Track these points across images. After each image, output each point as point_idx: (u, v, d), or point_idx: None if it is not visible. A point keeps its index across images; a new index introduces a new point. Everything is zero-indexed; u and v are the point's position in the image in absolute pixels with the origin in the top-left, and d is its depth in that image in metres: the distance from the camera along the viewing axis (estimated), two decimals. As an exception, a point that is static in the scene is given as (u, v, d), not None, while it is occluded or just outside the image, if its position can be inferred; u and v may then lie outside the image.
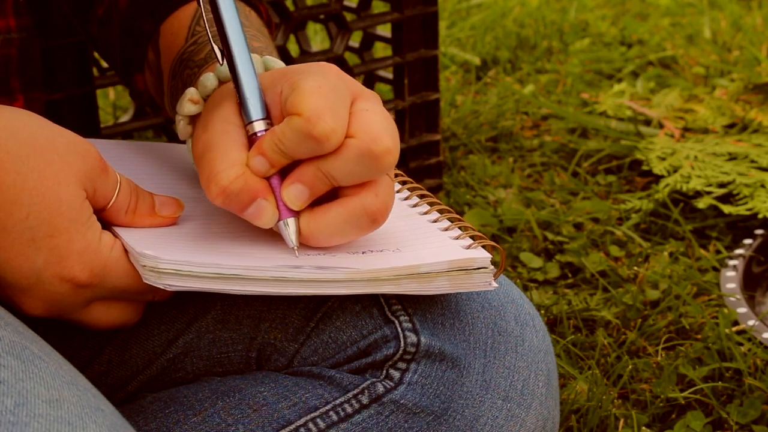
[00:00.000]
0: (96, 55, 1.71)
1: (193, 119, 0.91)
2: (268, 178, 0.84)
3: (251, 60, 0.86)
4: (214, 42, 0.88)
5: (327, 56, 1.64)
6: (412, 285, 0.85)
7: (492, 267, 0.87)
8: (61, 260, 0.81)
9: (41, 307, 0.83)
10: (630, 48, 2.23)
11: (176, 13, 1.00)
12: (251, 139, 0.84)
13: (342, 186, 0.84)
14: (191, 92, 0.90)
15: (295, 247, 0.85)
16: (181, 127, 0.91)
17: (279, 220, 0.84)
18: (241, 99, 0.85)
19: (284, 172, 0.84)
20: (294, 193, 0.84)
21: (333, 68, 0.85)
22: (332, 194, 0.85)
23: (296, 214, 0.84)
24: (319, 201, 0.85)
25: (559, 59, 2.19)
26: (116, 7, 1.04)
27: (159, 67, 1.00)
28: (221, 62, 0.87)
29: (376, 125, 0.82)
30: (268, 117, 0.85)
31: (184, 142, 0.94)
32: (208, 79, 0.90)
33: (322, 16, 1.73)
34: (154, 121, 1.58)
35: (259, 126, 0.84)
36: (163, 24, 1.00)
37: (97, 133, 1.47)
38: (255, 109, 0.85)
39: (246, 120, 0.85)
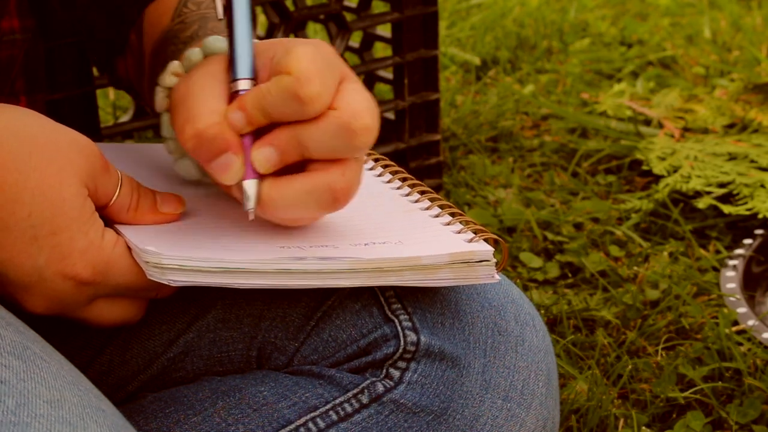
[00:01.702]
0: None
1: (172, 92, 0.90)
2: (241, 136, 0.83)
3: (250, 20, 0.86)
4: None
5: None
6: (415, 277, 0.86)
7: (494, 260, 0.87)
8: (64, 258, 0.82)
9: (44, 305, 0.83)
10: (630, 48, 2.23)
11: None
12: (233, 96, 0.84)
13: (312, 159, 0.83)
14: (174, 65, 0.89)
15: (251, 211, 0.83)
16: (159, 99, 0.90)
17: (243, 179, 0.83)
18: (231, 54, 0.84)
19: (257, 136, 0.83)
20: (264, 154, 0.83)
21: (328, 46, 0.85)
22: (299, 170, 0.84)
23: (261, 178, 0.83)
24: (286, 173, 0.84)
25: (559, 59, 2.19)
26: None
27: (141, 49, 1.00)
28: (220, 16, 0.87)
29: (359, 103, 0.82)
30: (254, 79, 0.84)
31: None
32: (194, 54, 0.89)
33: (322, 16, 1.73)
34: (154, 121, 1.58)
35: (243, 84, 0.84)
36: (148, 7, 1.00)
37: (97, 133, 1.47)
38: (243, 67, 0.84)
39: (232, 77, 0.84)
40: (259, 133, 0.83)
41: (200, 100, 0.83)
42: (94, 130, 1.45)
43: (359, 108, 0.82)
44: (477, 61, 2.16)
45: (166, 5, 0.98)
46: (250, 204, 0.83)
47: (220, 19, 0.87)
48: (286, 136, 0.82)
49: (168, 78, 0.89)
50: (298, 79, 0.80)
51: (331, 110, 0.82)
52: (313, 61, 0.81)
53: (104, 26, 1.03)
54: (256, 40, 0.90)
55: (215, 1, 0.88)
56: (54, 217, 0.81)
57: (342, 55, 1.63)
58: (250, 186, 0.83)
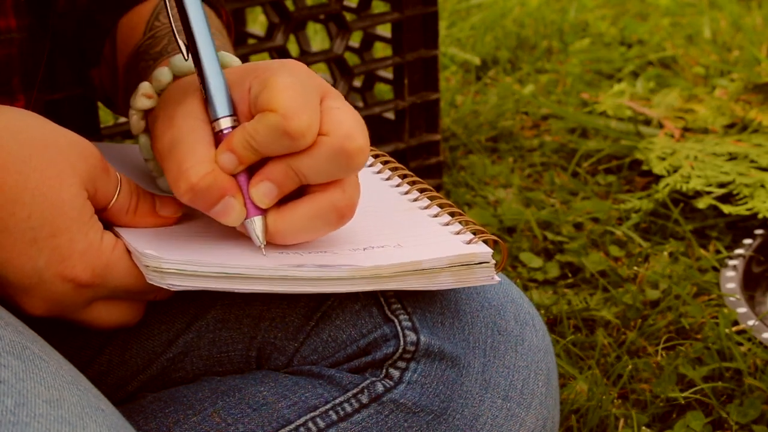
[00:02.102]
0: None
1: (146, 114, 0.90)
2: (235, 176, 0.83)
3: (216, 55, 0.85)
4: (178, 36, 0.87)
5: (327, 56, 1.64)
6: (415, 282, 0.86)
7: (493, 261, 0.87)
8: (63, 260, 0.81)
9: (43, 307, 0.83)
10: (630, 48, 2.23)
11: (137, 8, 0.99)
12: (217, 136, 0.83)
13: (310, 183, 0.84)
14: (145, 86, 0.89)
15: (262, 246, 0.84)
16: (134, 121, 0.90)
17: (246, 218, 0.84)
18: (207, 95, 0.84)
19: (251, 170, 0.84)
20: (262, 191, 0.83)
21: (301, 66, 0.85)
22: (298, 191, 0.84)
23: (264, 212, 0.84)
24: (285, 198, 0.84)
25: (559, 59, 2.19)
26: (76, 1, 1.03)
27: (114, 62, 0.99)
28: (186, 57, 0.86)
29: (348, 123, 0.82)
30: (234, 114, 0.84)
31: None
32: (163, 74, 0.88)
33: (322, 16, 1.73)
34: (154, 121, 1.58)
35: (225, 123, 0.83)
36: (121, 19, 1.00)
37: (97, 133, 1.47)
38: (222, 106, 0.84)
39: (212, 116, 0.84)
40: (252, 167, 0.83)
41: (187, 149, 0.82)
42: (94, 130, 1.45)
43: (349, 129, 0.82)
44: (477, 61, 2.16)
45: (139, 17, 0.98)
46: (260, 240, 0.84)
47: (186, 60, 0.86)
48: (282, 169, 0.82)
49: (140, 101, 0.89)
50: (285, 116, 0.80)
51: (322, 136, 0.82)
52: (293, 91, 0.81)
53: (79, 35, 1.03)
54: (233, 61, 0.89)
55: (178, 42, 0.87)
56: (54, 219, 0.81)
57: (342, 55, 1.63)
58: (255, 224, 0.83)
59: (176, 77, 0.89)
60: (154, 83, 0.89)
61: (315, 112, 0.81)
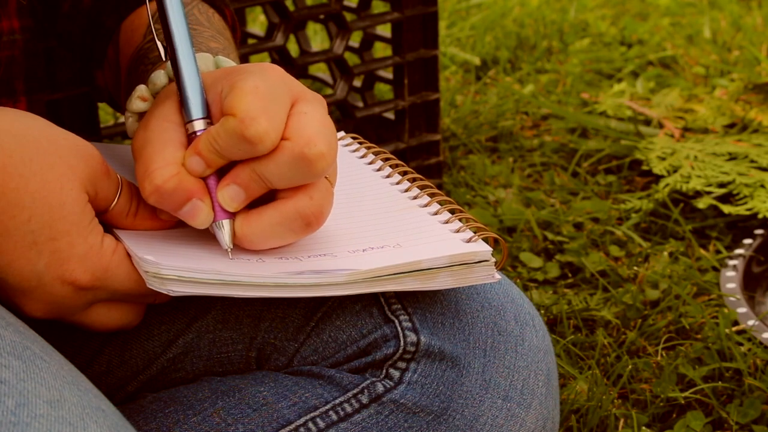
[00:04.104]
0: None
1: (142, 116, 0.90)
2: (204, 179, 0.83)
3: (194, 58, 0.85)
4: (158, 39, 0.87)
5: (327, 56, 1.64)
6: (414, 282, 0.85)
7: (493, 260, 0.86)
8: (63, 263, 0.81)
9: (42, 310, 0.83)
10: (630, 48, 2.23)
11: (139, 10, 0.99)
12: (190, 138, 0.83)
13: (278, 189, 0.83)
14: (141, 89, 0.89)
15: (229, 249, 0.84)
16: (130, 123, 0.90)
17: (214, 221, 0.84)
18: (181, 97, 0.84)
19: (222, 173, 0.84)
20: (229, 194, 0.83)
21: (276, 69, 0.84)
22: (271, 196, 0.84)
23: (232, 215, 0.84)
24: (258, 203, 0.84)
25: (559, 59, 2.19)
26: (80, 3, 1.03)
27: (117, 64, 1.00)
28: (165, 59, 0.87)
29: (311, 129, 0.82)
30: (208, 116, 0.84)
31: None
32: (158, 77, 0.89)
33: (322, 16, 1.73)
34: (154, 121, 1.58)
35: (198, 125, 0.83)
36: (124, 21, 1.00)
37: (97, 133, 1.47)
38: (195, 108, 0.84)
39: (186, 118, 0.84)
40: (222, 171, 0.83)
41: (155, 151, 0.82)
42: (94, 130, 1.45)
43: (311, 134, 0.81)
44: (477, 61, 2.16)
45: (140, 19, 0.98)
46: (227, 244, 0.84)
47: (164, 61, 0.87)
48: (247, 173, 0.82)
49: (135, 103, 0.89)
50: (242, 121, 0.80)
51: (284, 141, 0.81)
52: (256, 96, 0.81)
53: (85, 37, 1.03)
54: (215, 61, 0.89)
55: (158, 44, 0.87)
56: (54, 222, 0.81)
57: (342, 55, 1.63)
58: (223, 227, 0.84)
59: (172, 80, 0.89)
60: (150, 86, 0.89)
61: (275, 117, 0.81)
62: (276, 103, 0.81)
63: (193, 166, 0.82)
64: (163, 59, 0.87)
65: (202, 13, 0.99)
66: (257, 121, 0.80)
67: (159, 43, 0.87)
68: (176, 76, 0.85)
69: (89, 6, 1.02)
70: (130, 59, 0.96)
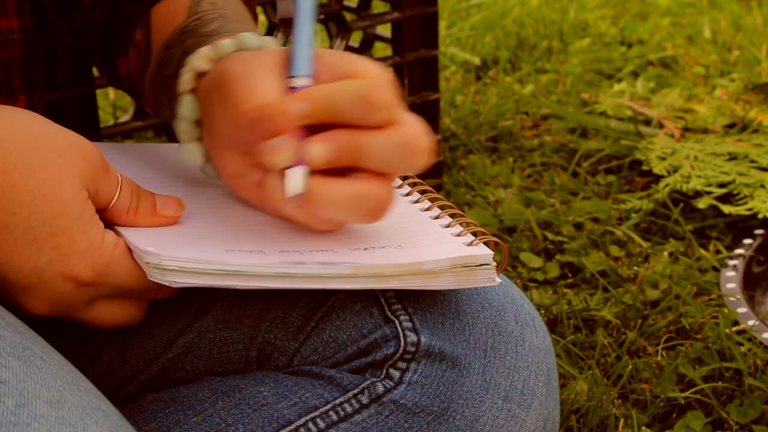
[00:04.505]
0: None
1: (199, 79, 0.90)
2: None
3: (314, 23, 0.86)
4: None
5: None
6: (416, 281, 0.86)
7: (494, 263, 0.87)
8: (64, 259, 0.82)
9: (44, 306, 0.83)
10: (630, 48, 2.23)
11: None
12: (290, 92, 0.83)
13: (359, 169, 0.83)
14: (206, 49, 0.89)
15: (292, 197, 0.83)
16: (186, 79, 0.89)
17: (291, 166, 0.82)
18: (293, 52, 0.84)
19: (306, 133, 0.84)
20: (320, 148, 0.82)
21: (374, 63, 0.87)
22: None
23: (309, 169, 0.83)
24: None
25: (559, 59, 2.19)
26: None
27: (147, 44, 0.99)
28: (280, 16, 0.88)
29: (418, 125, 0.84)
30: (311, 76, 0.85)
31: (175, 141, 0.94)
32: (226, 44, 0.89)
33: (322, 16, 1.73)
34: (153, 121, 1.58)
35: (302, 81, 0.83)
36: (155, 6, 1.00)
37: (97, 133, 1.47)
38: (304, 65, 0.84)
39: (291, 73, 0.84)
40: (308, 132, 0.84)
41: (261, 79, 0.83)
42: (94, 130, 1.45)
43: (421, 131, 0.83)
44: (477, 61, 2.16)
45: (176, 3, 0.98)
46: (296, 190, 0.82)
47: (280, 19, 0.87)
48: (346, 138, 0.82)
49: (198, 60, 0.89)
50: (372, 85, 0.81)
51: (395, 125, 0.82)
52: (383, 72, 0.82)
53: (108, 26, 1.03)
54: (268, 44, 0.90)
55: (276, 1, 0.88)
56: (54, 219, 0.81)
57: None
58: (298, 172, 0.82)
59: (239, 50, 0.89)
60: (216, 48, 0.89)
61: (396, 97, 0.83)
62: (392, 87, 0.83)
63: (296, 109, 0.82)
64: (279, 16, 0.88)
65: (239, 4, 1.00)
66: (386, 89, 0.81)
67: None
68: (294, 32, 0.85)
69: None
70: (169, 37, 0.96)
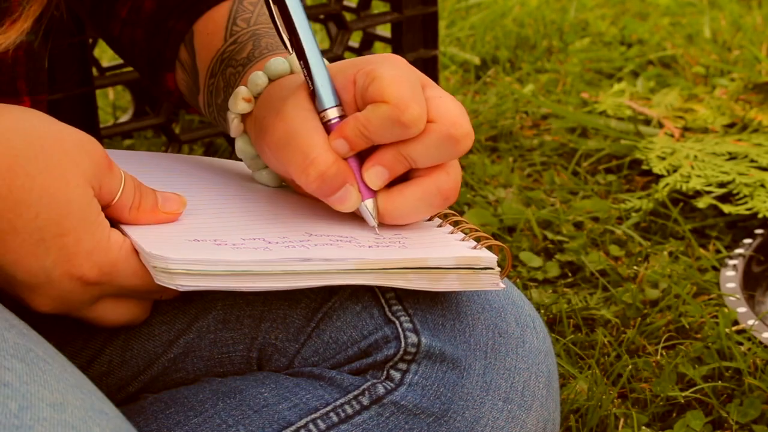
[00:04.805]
0: (95, 54, 1.71)
1: (245, 117, 0.95)
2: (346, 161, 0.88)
3: (319, 50, 0.90)
4: (283, 33, 0.92)
5: (326, 56, 1.64)
6: (421, 282, 0.86)
7: (498, 268, 0.87)
8: (70, 259, 0.82)
9: (50, 305, 0.84)
10: (630, 47, 2.23)
11: (209, 13, 1.02)
12: (326, 125, 0.88)
13: (418, 168, 0.88)
14: (243, 91, 0.93)
15: (376, 226, 0.89)
16: (234, 125, 0.95)
17: (362, 201, 0.89)
18: (314, 87, 0.89)
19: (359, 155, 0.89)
20: (375, 173, 0.88)
21: (400, 59, 0.90)
22: (405, 175, 0.89)
23: (374, 194, 0.89)
24: (391, 183, 0.89)
25: (559, 59, 2.20)
26: (141, 8, 1.04)
27: (194, 67, 1.02)
28: (290, 52, 0.91)
29: (454, 111, 0.87)
30: (340, 104, 0.89)
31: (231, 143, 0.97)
32: (259, 78, 0.93)
33: (321, 16, 1.73)
34: (153, 122, 1.58)
35: (333, 113, 0.89)
36: (195, 24, 1.02)
37: (97, 133, 1.47)
38: (327, 97, 0.89)
39: (320, 107, 0.89)
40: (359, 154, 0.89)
41: (308, 139, 0.87)
42: (93, 130, 1.46)
43: (455, 115, 0.87)
44: (477, 60, 2.16)
45: (215, 23, 1.01)
46: (373, 221, 0.89)
47: (290, 53, 0.92)
48: (393, 155, 0.88)
49: (240, 104, 0.94)
50: (398, 107, 0.85)
51: (431, 123, 0.87)
52: (402, 84, 0.86)
53: (149, 41, 1.04)
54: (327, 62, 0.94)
55: (283, 39, 0.92)
56: (61, 219, 0.81)
57: (342, 55, 1.64)
58: (368, 206, 0.89)
59: (271, 80, 0.93)
60: (250, 87, 0.93)
61: (422, 102, 0.86)
62: (416, 89, 0.87)
63: (339, 147, 0.88)
64: (289, 52, 0.92)
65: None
66: (411, 106, 0.85)
67: (285, 37, 0.92)
68: (305, 68, 0.90)
69: (152, 10, 1.04)
70: (211, 62, 1.00)
